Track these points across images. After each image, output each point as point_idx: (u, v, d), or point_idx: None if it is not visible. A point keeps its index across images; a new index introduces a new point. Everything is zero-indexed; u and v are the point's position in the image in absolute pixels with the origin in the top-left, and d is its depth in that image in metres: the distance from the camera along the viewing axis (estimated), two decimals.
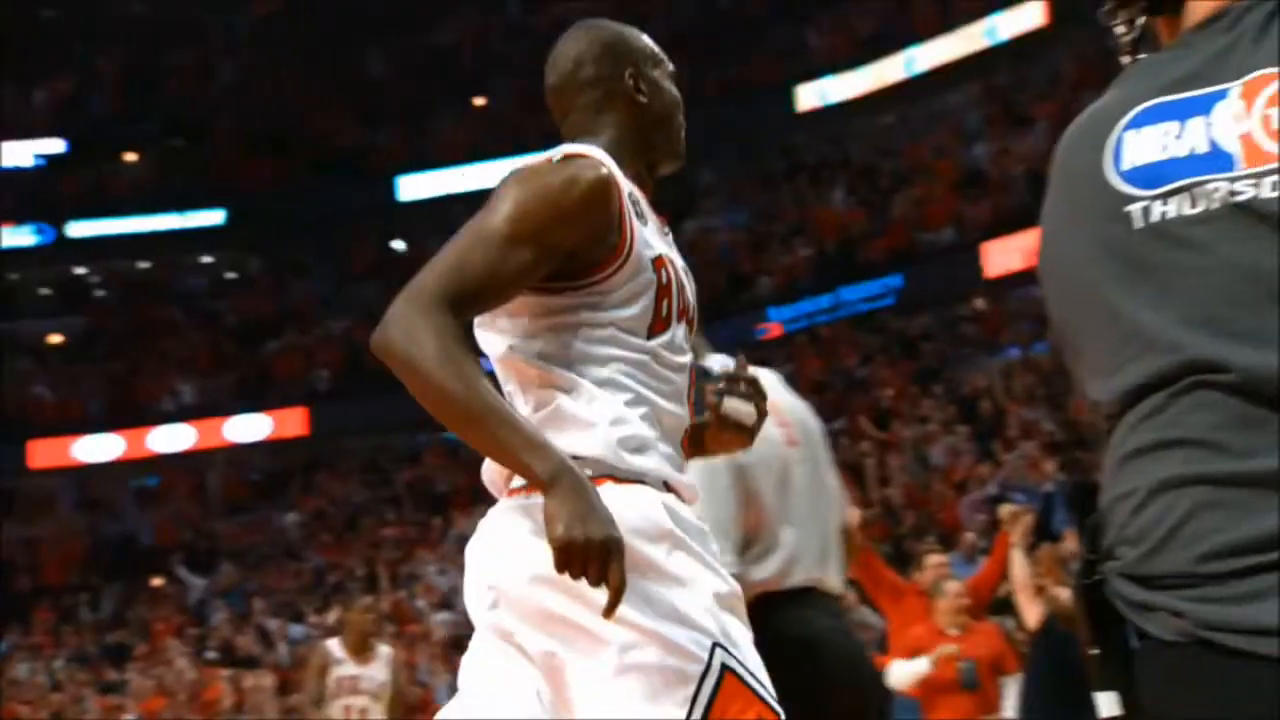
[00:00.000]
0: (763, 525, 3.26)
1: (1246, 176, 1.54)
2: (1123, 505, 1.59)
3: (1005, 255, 21.79)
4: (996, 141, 23.32)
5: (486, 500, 2.53)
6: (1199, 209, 1.56)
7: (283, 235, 28.56)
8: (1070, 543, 8.38)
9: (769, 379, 3.28)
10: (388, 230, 28.76)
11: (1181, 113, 1.59)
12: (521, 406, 2.43)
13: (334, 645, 8.34)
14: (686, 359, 2.51)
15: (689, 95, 2.71)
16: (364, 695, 8.12)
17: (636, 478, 2.37)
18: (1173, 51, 1.67)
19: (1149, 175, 1.59)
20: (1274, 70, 1.55)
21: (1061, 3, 23.13)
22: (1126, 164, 1.61)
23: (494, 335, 2.48)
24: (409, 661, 14.31)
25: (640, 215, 2.49)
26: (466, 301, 2.34)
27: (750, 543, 3.25)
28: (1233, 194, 1.54)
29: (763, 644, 2.38)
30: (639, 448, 2.39)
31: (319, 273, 29.20)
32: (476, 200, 2.50)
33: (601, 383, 2.40)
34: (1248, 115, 1.55)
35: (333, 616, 15.54)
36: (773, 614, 3.12)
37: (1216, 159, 1.55)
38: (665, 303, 2.46)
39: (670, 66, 2.69)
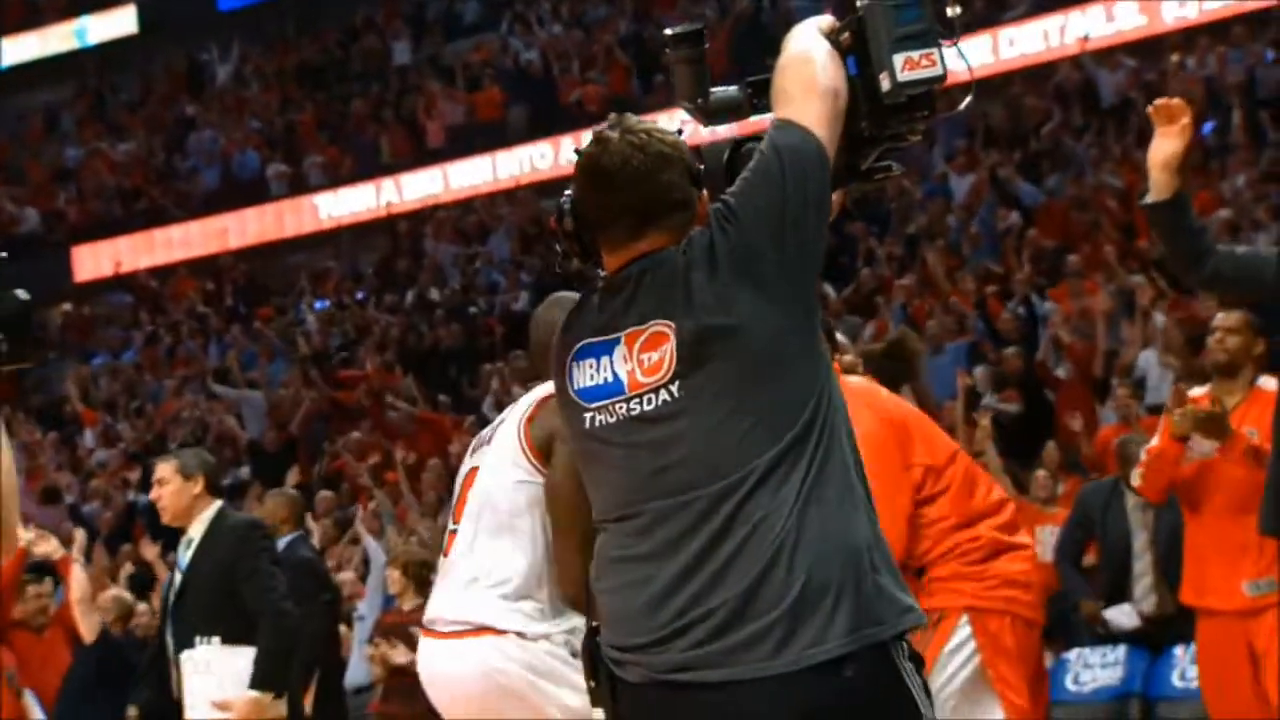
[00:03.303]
0: None
1: (632, 397, 2.51)
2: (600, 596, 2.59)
3: (95, 260, 21.72)
4: (89, 144, 23.13)
5: None
6: (614, 419, 2.53)
7: None
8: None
9: None
10: None
11: (599, 352, 2.56)
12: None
13: None
14: None
15: None
16: None
17: None
18: (600, 297, 2.58)
19: (587, 395, 2.56)
20: (640, 327, 2.51)
21: (152, 13, 23.39)
22: (576, 385, 2.58)
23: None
24: None
25: None
26: None
27: None
28: (629, 410, 2.52)
29: None
30: None
31: None
32: None
33: None
34: (630, 357, 2.52)
35: None
36: None
37: (615, 386, 2.53)
38: None
39: None
